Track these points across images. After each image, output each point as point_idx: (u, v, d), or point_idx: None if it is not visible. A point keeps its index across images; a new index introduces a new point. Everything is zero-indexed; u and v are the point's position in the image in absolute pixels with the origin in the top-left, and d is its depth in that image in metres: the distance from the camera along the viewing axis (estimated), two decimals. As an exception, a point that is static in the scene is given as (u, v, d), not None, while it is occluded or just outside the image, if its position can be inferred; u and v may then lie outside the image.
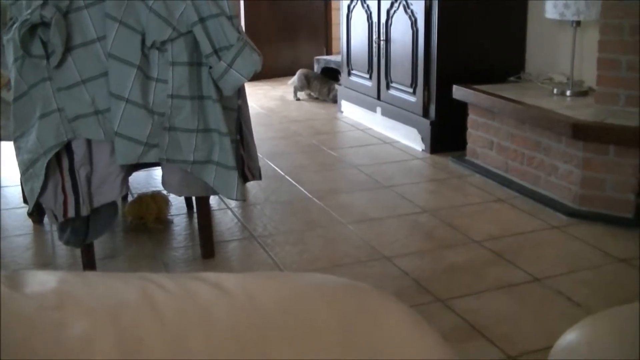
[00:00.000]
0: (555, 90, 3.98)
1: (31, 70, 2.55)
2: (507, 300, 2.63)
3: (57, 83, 2.55)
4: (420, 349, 1.01)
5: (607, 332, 1.28)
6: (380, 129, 5.13)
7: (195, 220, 3.23)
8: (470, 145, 4.28)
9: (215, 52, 2.61)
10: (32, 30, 2.47)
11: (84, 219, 2.72)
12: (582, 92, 3.91)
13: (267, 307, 0.99)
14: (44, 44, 2.50)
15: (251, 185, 3.82)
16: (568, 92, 3.91)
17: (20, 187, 3.39)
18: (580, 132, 3.36)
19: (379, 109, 5.12)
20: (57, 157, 2.61)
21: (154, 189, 3.74)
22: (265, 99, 6.44)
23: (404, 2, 4.61)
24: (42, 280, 1.01)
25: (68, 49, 2.52)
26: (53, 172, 2.61)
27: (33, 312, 0.92)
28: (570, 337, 1.29)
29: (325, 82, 6.29)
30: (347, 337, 0.98)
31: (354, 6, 5.34)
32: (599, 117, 3.42)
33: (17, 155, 2.64)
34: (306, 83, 6.31)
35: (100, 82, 2.57)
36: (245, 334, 0.95)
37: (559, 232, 3.27)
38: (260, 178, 3.19)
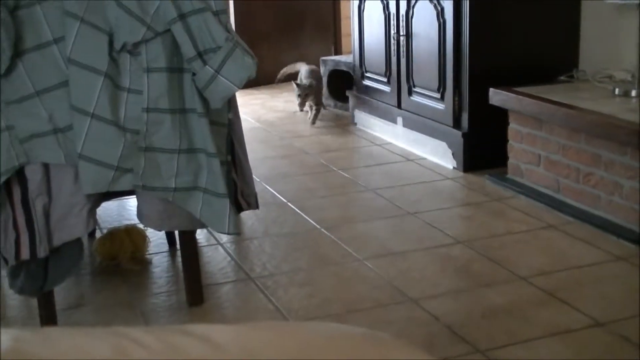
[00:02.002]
0: (616, 91, 3.98)
1: (-27, 81, 2.56)
2: (563, 349, 2.61)
3: (5, 95, 2.56)
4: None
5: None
6: (401, 143, 5.14)
7: (179, 259, 3.23)
8: (512, 160, 4.28)
9: (200, 55, 2.62)
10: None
11: (41, 262, 2.71)
12: (650, 92, 3.91)
13: (268, 365, 0.99)
14: (-12, 48, 2.51)
15: (246, 215, 3.83)
16: (633, 93, 3.90)
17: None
18: (648, 141, 3.35)
19: (399, 120, 5.13)
20: (7, 186, 2.61)
21: (128, 222, 3.74)
22: (262, 111, 6.46)
23: (427, -11, 4.64)
24: (-8, 339, 1.01)
25: (18, 53, 2.53)
26: (2, 205, 2.62)
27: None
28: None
29: (310, 91, 5.96)
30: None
31: (366, -5, 5.38)
32: (670, 123, 3.42)
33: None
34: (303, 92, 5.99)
35: (59, 93, 2.58)
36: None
37: (625, 265, 3.25)
38: (257, 207, 3.18)
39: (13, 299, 3.11)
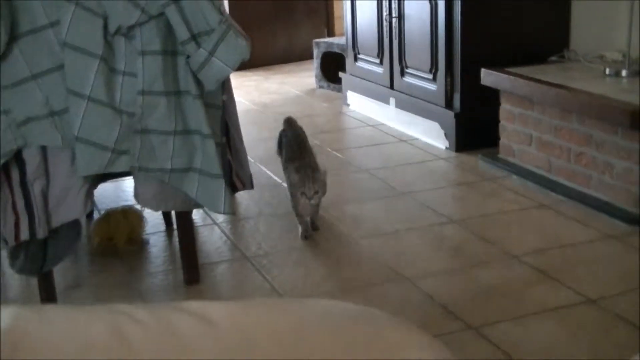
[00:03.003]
0: (607, 71, 3.97)
1: (-31, 66, 2.56)
2: (555, 327, 2.63)
3: (1, 80, 2.56)
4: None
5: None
6: (394, 124, 5.14)
7: (176, 239, 3.23)
8: (504, 141, 4.28)
9: (194, 37, 2.61)
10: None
11: (40, 243, 2.72)
12: (641, 72, 3.91)
13: (262, 341, 1.00)
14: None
15: (241, 195, 3.83)
16: (624, 73, 3.90)
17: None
18: None
19: (392, 101, 5.12)
20: (5, 169, 2.61)
21: (125, 203, 3.74)
22: (256, 93, 6.44)
23: (419, -30, 4.62)
24: (-8, 317, 1.02)
25: (13, 37, 2.53)
26: (1, 188, 2.62)
27: (-18, 355, 0.93)
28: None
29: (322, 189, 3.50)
30: (359, 375, 0.98)
31: (359, -23, 5.36)
32: (661, 102, 3.42)
33: (-43, 168, 2.65)
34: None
35: (55, 77, 2.57)
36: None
37: (617, 243, 3.27)
38: (252, 187, 3.19)
39: (13, 279, 3.11)
